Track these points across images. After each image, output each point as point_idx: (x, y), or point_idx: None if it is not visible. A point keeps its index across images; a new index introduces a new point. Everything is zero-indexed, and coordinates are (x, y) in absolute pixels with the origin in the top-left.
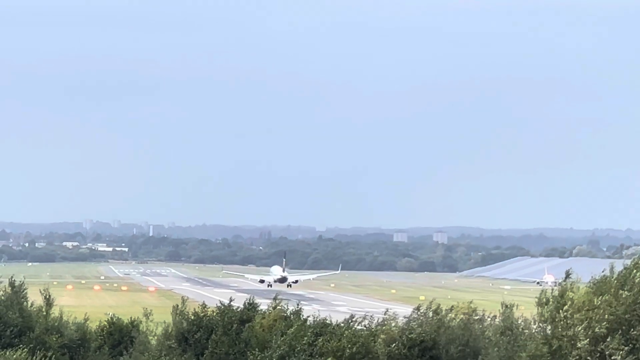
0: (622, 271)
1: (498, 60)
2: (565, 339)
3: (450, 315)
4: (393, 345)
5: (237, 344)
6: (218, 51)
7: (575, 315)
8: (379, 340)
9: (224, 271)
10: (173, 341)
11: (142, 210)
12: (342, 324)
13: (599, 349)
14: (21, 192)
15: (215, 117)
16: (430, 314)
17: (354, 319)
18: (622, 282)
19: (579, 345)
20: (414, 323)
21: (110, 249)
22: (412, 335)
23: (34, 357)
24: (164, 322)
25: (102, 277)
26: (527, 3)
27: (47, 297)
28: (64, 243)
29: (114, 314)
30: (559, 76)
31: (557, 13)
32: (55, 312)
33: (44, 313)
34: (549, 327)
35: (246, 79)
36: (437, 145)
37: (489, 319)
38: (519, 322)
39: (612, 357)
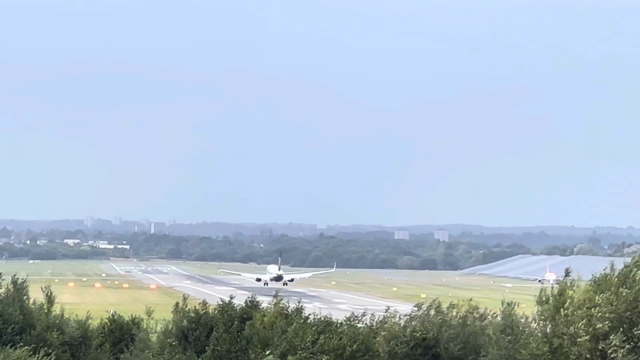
0: (622, 269)
1: (498, 59)
2: (566, 337)
3: (451, 313)
4: (392, 343)
5: (238, 342)
6: (219, 50)
7: (576, 313)
8: (380, 338)
9: (221, 270)
10: (173, 339)
11: (143, 208)
12: (344, 322)
13: (599, 347)
14: (22, 189)
15: (217, 115)
16: (432, 311)
17: (356, 317)
18: (622, 280)
19: (579, 340)
20: (416, 321)
21: (112, 246)
22: (415, 333)
23: (36, 355)
24: (164, 319)
25: (104, 275)
26: (530, 3)
27: (49, 294)
28: (65, 240)
29: (115, 312)
30: (559, 75)
31: (564, 13)
32: (56, 309)
33: (45, 310)
34: (550, 326)
35: (246, 77)
36: (438, 143)
37: (490, 317)
38: (520, 320)
39: (613, 355)
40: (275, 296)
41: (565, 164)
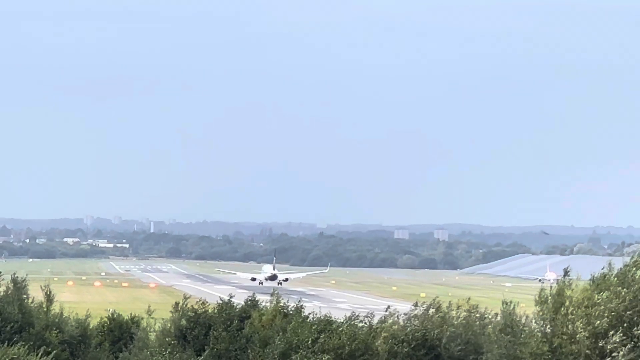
0: (621, 268)
1: (500, 58)
2: (565, 336)
3: (452, 312)
4: (391, 342)
5: (237, 341)
6: (220, 48)
7: (575, 312)
8: (379, 337)
9: (216, 269)
10: (171, 338)
11: (143, 207)
12: (344, 321)
13: (599, 345)
14: (22, 188)
15: (217, 114)
16: (433, 311)
17: (355, 316)
18: (621, 280)
19: (578, 337)
20: (415, 320)
21: (111, 245)
22: (415, 333)
23: (35, 354)
24: (162, 319)
25: (103, 274)
26: (532, 2)
27: (48, 293)
28: (65, 239)
29: (114, 311)
30: (560, 75)
31: (567, 12)
32: (55, 308)
33: (45, 309)
34: (549, 325)
35: (246, 76)
36: (438, 143)
37: (490, 317)
38: (520, 319)
39: (614, 354)
40: (272, 294)
41: (566, 163)
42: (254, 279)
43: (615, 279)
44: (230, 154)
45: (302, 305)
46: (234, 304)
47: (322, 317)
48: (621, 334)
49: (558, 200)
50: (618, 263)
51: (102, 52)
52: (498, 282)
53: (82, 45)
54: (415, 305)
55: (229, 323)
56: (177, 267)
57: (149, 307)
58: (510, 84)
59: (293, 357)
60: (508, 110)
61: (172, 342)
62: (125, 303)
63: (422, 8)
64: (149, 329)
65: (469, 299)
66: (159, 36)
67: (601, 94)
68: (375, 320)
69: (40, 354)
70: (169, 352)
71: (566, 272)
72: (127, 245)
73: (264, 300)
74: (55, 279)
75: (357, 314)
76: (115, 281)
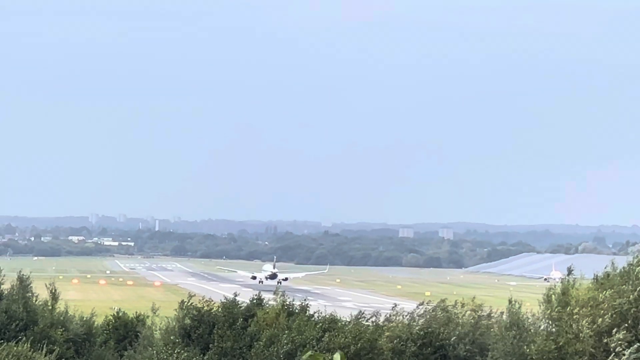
0: (624, 267)
1: (505, 57)
2: (570, 335)
3: (457, 311)
4: (396, 341)
5: (242, 339)
6: (224, 48)
7: (580, 311)
8: (384, 336)
9: (217, 267)
10: (175, 336)
11: (148, 205)
12: (351, 320)
13: (603, 343)
14: (27, 186)
15: (222, 112)
16: (439, 310)
17: (362, 315)
18: (625, 279)
19: (582, 336)
20: (422, 319)
21: (116, 243)
22: (421, 332)
23: (40, 352)
24: (166, 317)
25: (108, 272)
26: (533, 2)
27: (53, 291)
28: (70, 237)
29: (119, 309)
30: (565, 73)
31: (569, 10)
32: (60, 306)
33: (50, 307)
34: (555, 324)
35: (252, 74)
36: (443, 141)
37: (496, 315)
38: (526, 317)
39: (617, 350)
40: (275, 292)
41: (571, 162)
42: (254, 278)
43: (619, 277)
44: (235, 153)
45: (307, 304)
46: (239, 303)
47: (326, 316)
48: (625, 332)
49: (563, 199)
50: (622, 262)
51: (106, 49)
52: (503, 280)
53: (87, 42)
54: (421, 304)
55: (231, 321)
56: (182, 265)
57: (153, 305)
58: (516, 83)
59: (298, 356)
60: (514, 109)
61: (177, 341)
62: (130, 301)
63: (422, 8)
64: (154, 327)
65: (474, 297)
66: (165, 32)
67: (607, 92)
68: (380, 319)
69: (44, 352)
70: (176, 352)
71: (570, 271)
72: (132, 244)
73: (270, 298)
74: (60, 277)
75: (363, 313)
76: (120, 279)
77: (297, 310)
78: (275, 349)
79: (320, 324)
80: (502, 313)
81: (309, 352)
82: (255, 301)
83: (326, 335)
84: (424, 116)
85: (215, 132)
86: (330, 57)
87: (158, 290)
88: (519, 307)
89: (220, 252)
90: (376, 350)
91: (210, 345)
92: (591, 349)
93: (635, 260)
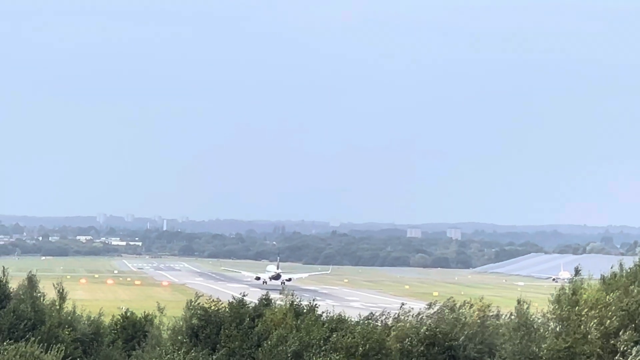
0: (631, 267)
1: (510, 57)
2: (578, 335)
3: (465, 311)
4: (406, 341)
5: (249, 339)
6: (224, 49)
7: (589, 313)
8: (392, 336)
9: (222, 268)
10: (183, 336)
11: (155, 205)
12: (360, 321)
13: (610, 343)
14: (35, 185)
15: (229, 113)
16: (447, 310)
17: (373, 315)
18: (632, 279)
19: (590, 337)
20: (430, 320)
21: (124, 243)
22: (428, 332)
23: (49, 351)
24: (174, 317)
25: (116, 271)
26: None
27: (61, 290)
28: (78, 237)
29: (127, 308)
30: (572, 73)
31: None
32: (68, 306)
33: (57, 307)
34: (562, 324)
35: (254, 73)
36: (451, 141)
37: (504, 315)
38: (535, 318)
39: (624, 349)
40: (281, 292)
41: (579, 162)
42: (258, 278)
43: (626, 278)
44: (243, 153)
45: (316, 304)
46: (247, 303)
47: (334, 316)
48: (631, 331)
49: (571, 199)
50: (630, 262)
51: (114, 48)
52: (511, 281)
53: (96, 41)
54: (429, 304)
55: (238, 321)
56: (189, 265)
57: (158, 304)
58: (523, 83)
59: (305, 356)
60: (523, 108)
61: (185, 341)
62: (138, 301)
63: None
64: (162, 327)
65: (482, 297)
66: (173, 32)
67: (615, 92)
68: (389, 319)
69: (54, 352)
70: (183, 352)
71: (577, 272)
72: (139, 243)
73: (278, 298)
74: (68, 276)
75: (374, 313)
76: (128, 279)
77: (305, 311)
78: (284, 349)
79: (327, 324)
80: (510, 313)
81: None
82: (263, 301)
83: (334, 336)
84: (431, 116)
85: (222, 132)
86: (333, 56)
87: (166, 290)
88: (527, 308)
89: (228, 252)
90: (384, 351)
91: (218, 346)
92: (599, 351)
93: None
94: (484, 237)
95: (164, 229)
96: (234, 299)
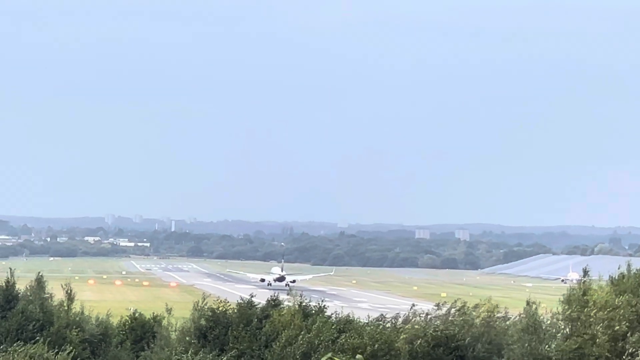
0: (639, 269)
1: (517, 57)
2: (586, 336)
3: (474, 312)
4: (415, 343)
5: (257, 340)
6: (237, 48)
7: (597, 314)
8: (401, 337)
9: (227, 270)
10: (192, 337)
11: (164, 206)
12: (369, 322)
13: (619, 346)
14: (43, 186)
15: (235, 114)
16: (455, 311)
17: (383, 316)
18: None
19: (598, 340)
20: (438, 320)
21: (132, 244)
22: (436, 333)
23: (57, 352)
24: (182, 318)
25: (124, 272)
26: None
27: (69, 291)
28: (86, 238)
29: (136, 309)
30: (581, 74)
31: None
32: (76, 307)
33: (65, 308)
34: (570, 326)
35: (263, 75)
36: (459, 143)
37: (513, 317)
38: (544, 319)
39: (632, 351)
40: (288, 293)
41: (587, 163)
42: (262, 280)
43: (633, 280)
44: (251, 154)
45: (325, 305)
46: (255, 304)
47: (342, 317)
48: (639, 334)
49: (579, 200)
50: (638, 263)
51: (125, 49)
52: (519, 282)
53: (109, 42)
54: (438, 305)
55: (246, 322)
56: (198, 266)
57: (166, 305)
58: (529, 83)
59: (314, 357)
60: (529, 109)
61: (193, 342)
62: (146, 302)
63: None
64: (170, 328)
65: (490, 298)
66: (187, 32)
67: (619, 92)
68: (399, 320)
69: (67, 352)
70: (191, 353)
71: (586, 272)
72: (148, 244)
73: (286, 299)
74: (76, 277)
75: (384, 315)
76: (136, 280)
77: (313, 312)
78: (292, 350)
79: (336, 325)
80: (519, 314)
81: (328, 354)
82: (271, 302)
83: (342, 336)
84: (435, 116)
85: (230, 134)
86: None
87: (174, 291)
88: (536, 309)
89: (237, 253)
90: (393, 352)
91: (226, 347)
92: (607, 354)
93: None
94: (492, 238)
95: (172, 230)
96: (242, 299)
